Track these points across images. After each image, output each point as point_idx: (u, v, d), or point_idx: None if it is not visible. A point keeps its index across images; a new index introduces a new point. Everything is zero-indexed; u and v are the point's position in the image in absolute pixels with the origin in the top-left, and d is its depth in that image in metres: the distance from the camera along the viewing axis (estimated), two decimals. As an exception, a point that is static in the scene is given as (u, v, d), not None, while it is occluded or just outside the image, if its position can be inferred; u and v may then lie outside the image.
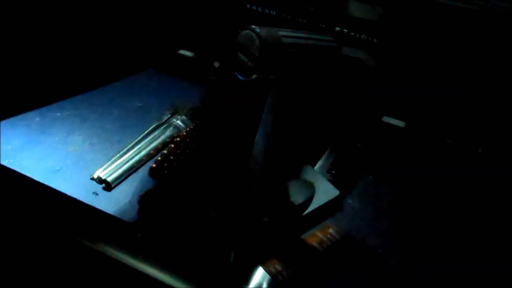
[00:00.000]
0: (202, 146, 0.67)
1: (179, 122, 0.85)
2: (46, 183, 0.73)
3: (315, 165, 0.83)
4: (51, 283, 0.91)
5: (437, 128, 0.81)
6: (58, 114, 0.87)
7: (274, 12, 0.85)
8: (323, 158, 0.85)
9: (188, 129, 0.84)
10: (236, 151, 0.67)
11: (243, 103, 0.65)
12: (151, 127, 0.84)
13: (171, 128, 0.84)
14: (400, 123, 0.83)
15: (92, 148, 0.81)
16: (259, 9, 0.86)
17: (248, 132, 0.63)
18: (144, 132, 0.83)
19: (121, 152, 0.79)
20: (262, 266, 0.67)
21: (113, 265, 0.70)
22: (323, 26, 0.82)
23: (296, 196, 0.72)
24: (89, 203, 0.71)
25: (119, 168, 0.76)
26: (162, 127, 0.85)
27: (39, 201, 0.75)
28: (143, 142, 0.81)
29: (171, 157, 0.78)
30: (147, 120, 0.86)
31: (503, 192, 0.78)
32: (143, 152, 0.79)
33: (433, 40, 0.74)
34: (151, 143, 0.81)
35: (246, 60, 0.55)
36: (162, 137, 0.82)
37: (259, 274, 0.67)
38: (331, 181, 0.78)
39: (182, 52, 0.98)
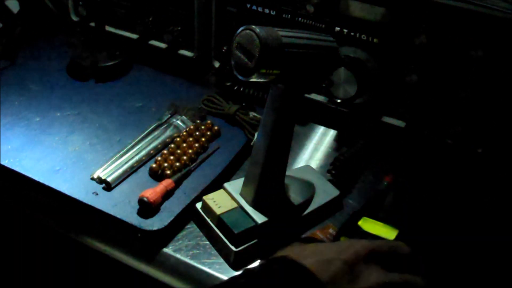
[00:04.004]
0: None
1: (179, 122, 0.85)
2: (46, 183, 0.73)
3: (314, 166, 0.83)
4: (51, 283, 0.91)
5: (437, 128, 0.81)
6: (58, 114, 0.87)
7: (274, 12, 0.85)
8: (323, 158, 0.85)
9: (188, 129, 0.84)
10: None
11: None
12: (151, 127, 0.84)
13: (171, 128, 0.84)
14: (400, 123, 0.83)
15: (92, 148, 0.81)
16: (259, 9, 0.86)
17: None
18: (144, 132, 0.83)
19: (121, 152, 0.79)
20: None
21: (113, 265, 0.70)
22: (323, 26, 0.82)
23: (296, 196, 0.72)
24: (89, 203, 0.71)
25: (119, 168, 0.76)
26: (162, 127, 0.85)
27: (39, 201, 0.75)
28: (143, 142, 0.81)
29: (171, 157, 0.78)
30: (147, 120, 0.86)
31: (503, 192, 0.78)
32: (143, 152, 0.79)
33: (433, 40, 0.74)
34: (151, 143, 0.81)
35: (246, 60, 0.55)
36: (162, 137, 0.82)
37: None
38: (331, 181, 0.79)
39: (182, 52, 0.97)
